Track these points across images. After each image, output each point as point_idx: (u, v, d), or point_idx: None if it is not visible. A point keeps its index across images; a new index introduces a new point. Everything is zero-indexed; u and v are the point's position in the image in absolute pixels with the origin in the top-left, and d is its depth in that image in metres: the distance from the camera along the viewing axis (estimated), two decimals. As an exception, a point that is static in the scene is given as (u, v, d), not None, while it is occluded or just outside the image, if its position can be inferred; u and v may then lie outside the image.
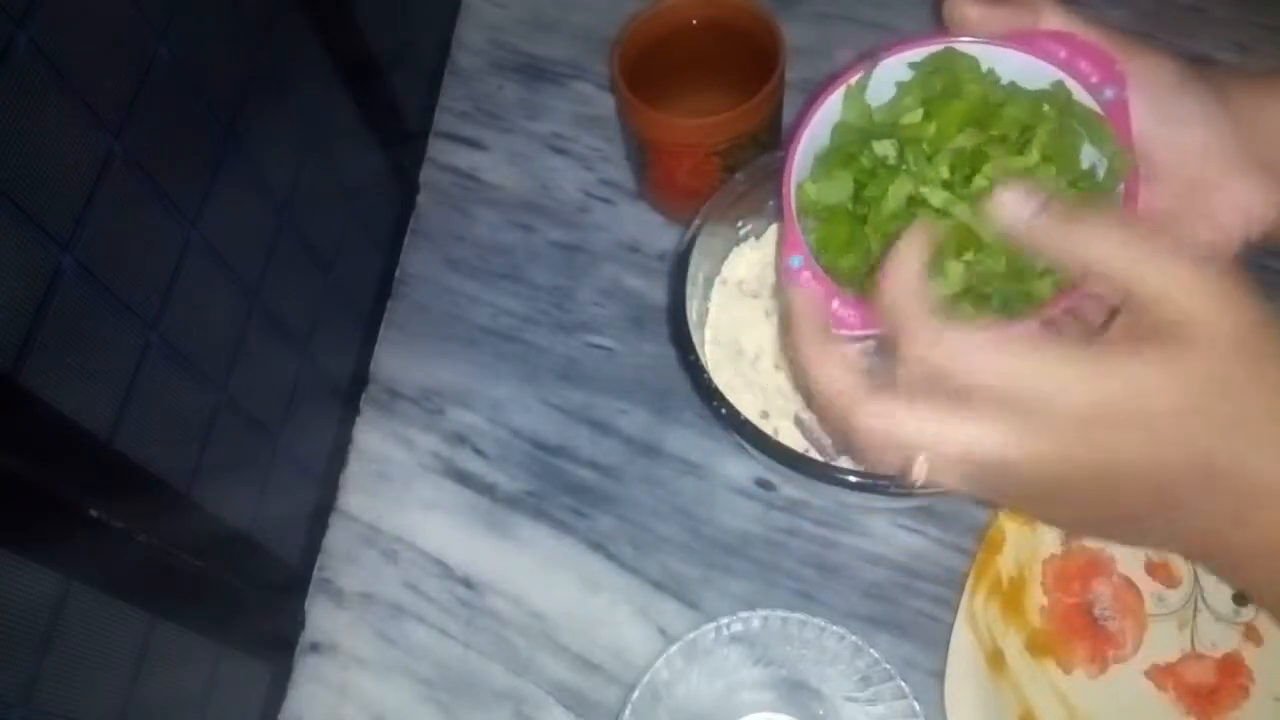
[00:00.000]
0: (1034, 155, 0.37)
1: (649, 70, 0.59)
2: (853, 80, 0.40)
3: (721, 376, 0.54)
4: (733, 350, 0.57)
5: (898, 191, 0.38)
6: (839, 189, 0.41)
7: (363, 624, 0.58)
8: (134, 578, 0.71)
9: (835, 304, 0.39)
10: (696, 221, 0.55)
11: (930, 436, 0.32)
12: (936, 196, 0.37)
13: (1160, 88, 0.38)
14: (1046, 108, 0.38)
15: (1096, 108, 0.38)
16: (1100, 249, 0.32)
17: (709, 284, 0.59)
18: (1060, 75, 0.38)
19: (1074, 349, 0.31)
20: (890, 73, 0.40)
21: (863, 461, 0.33)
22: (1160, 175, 0.38)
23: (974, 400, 0.31)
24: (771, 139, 0.61)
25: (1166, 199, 0.38)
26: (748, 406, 0.52)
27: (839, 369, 0.34)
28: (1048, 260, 0.35)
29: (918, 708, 0.47)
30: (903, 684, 0.48)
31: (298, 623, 0.58)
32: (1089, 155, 0.39)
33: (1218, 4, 0.69)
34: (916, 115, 0.39)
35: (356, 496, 0.61)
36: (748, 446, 0.50)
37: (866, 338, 0.39)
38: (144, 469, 0.71)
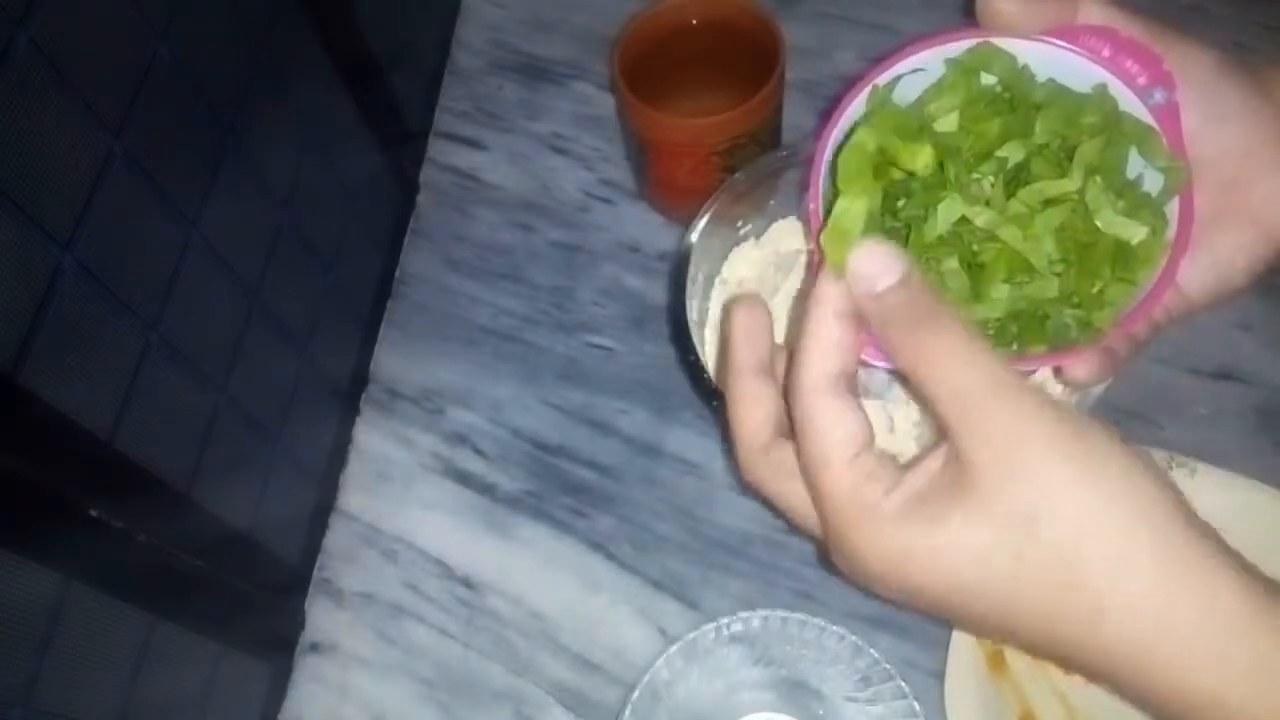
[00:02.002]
0: (1078, 176, 0.35)
1: (649, 70, 0.59)
2: (880, 81, 0.37)
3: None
4: (733, 350, 0.57)
5: (947, 214, 0.35)
6: (865, 205, 0.36)
7: (363, 624, 0.58)
8: (134, 578, 0.71)
9: (869, 350, 0.36)
10: (696, 221, 0.55)
11: (790, 509, 0.34)
12: (982, 216, 0.35)
13: (1200, 81, 0.36)
14: (1092, 119, 0.36)
15: (1146, 114, 0.36)
16: (933, 367, 0.30)
17: (709, 284, 0.59)
18: (1106, 77, 0.36)
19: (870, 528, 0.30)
20: (920, 70, 0.37)
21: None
22: (1200, 173, 0.36)
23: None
24: (771, 139, 0.61)
25: (1207, 196, 0.36)
26: (748, 406, 0.52)
27: (760, 411, 0.34)
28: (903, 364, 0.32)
29: (918, 708, 0.47)
30: (903, 684, 0.48)
31: (298, 623, 0.58)
32: (1136, 163, 0.36)
33: (1217, 3, 0.69)
34: (952, 122, 0.36)
35: (356, 496, 0.61)
36: (748, 446, 0.50)
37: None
38: (144, 469, 0.71)
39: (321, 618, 0.58)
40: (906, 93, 0.37)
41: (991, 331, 0.37)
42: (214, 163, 0.81)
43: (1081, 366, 0.37)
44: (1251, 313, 0.60)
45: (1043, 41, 0.36)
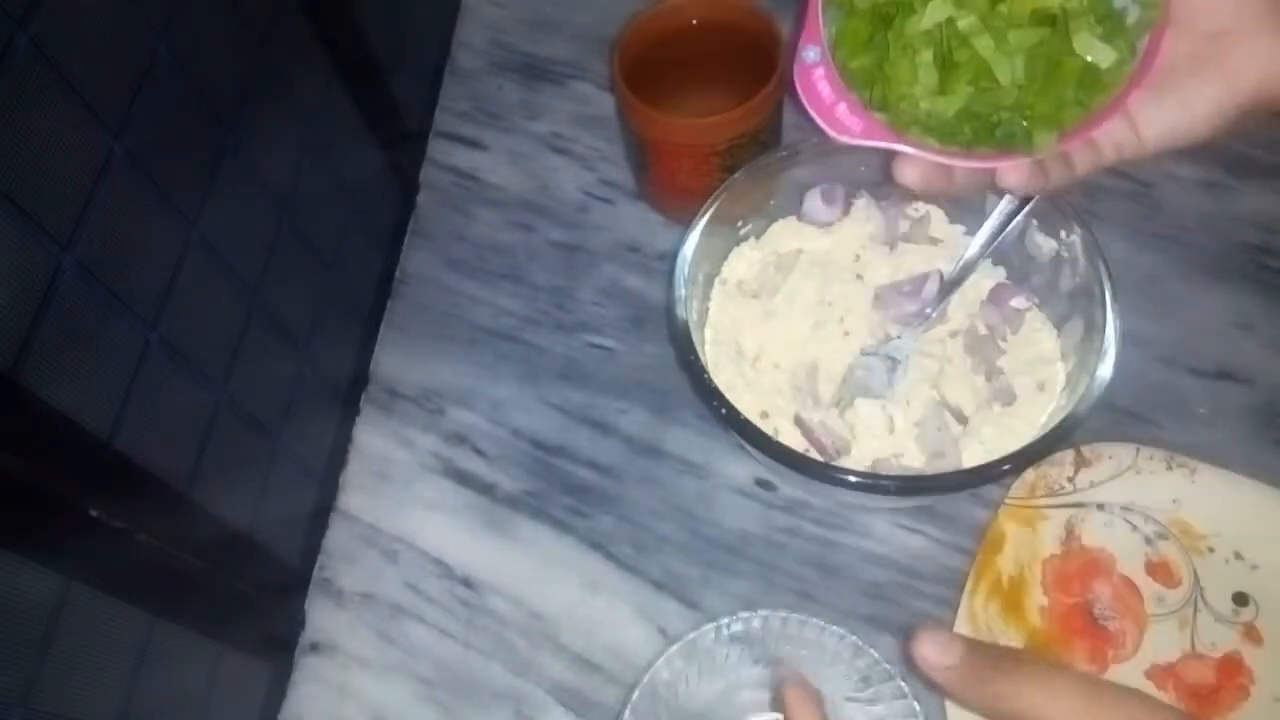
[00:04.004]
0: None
1: (649, 70, 0.59)
2: None
3: (721, 376, 0.54)
4: (733, 350, 0.57)
5: (934, 13, 0.38)
6: None
7: (363, 624, 0.58)
8: (134, 578, 0.71)
9: (841, 108, 0.39)
10: (696, 221, 0.55)
11: None
12: (964, 20, 0.37)
13: None
14: None
15: None
16: (1020, 698, 0.34)
17: (709, 284, 0.59)
18: None
19: None
20: None
21: None
22: (1189, 18, 0.38)
23: None
24: (771, 139, 0.61)
25: (1190, 42, 0.38)
26: (748, 406, 0.52)
27: None
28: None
29: (918, 708, 0.47)
30: (903, 684, 0.48)
31: (298, 623, 0.58)
32: None
33: None
34: None
35: (356, 496, 0.61)
36: (748, 446, 0.50)
37: (866, 145, 0.39)
38: (144, 469, 0.71)
39: (321, 618, 0.58)
40: None
41: (947, 128, 0.39)
42: (214, 163, 0.81)
43: (1014, 174, 0.39)
44: (1251, 313, 0.60)
45: None
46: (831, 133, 0.40)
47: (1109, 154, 0.40)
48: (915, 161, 0.40)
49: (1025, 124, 0.39)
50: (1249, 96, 0.38)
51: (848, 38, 0.41)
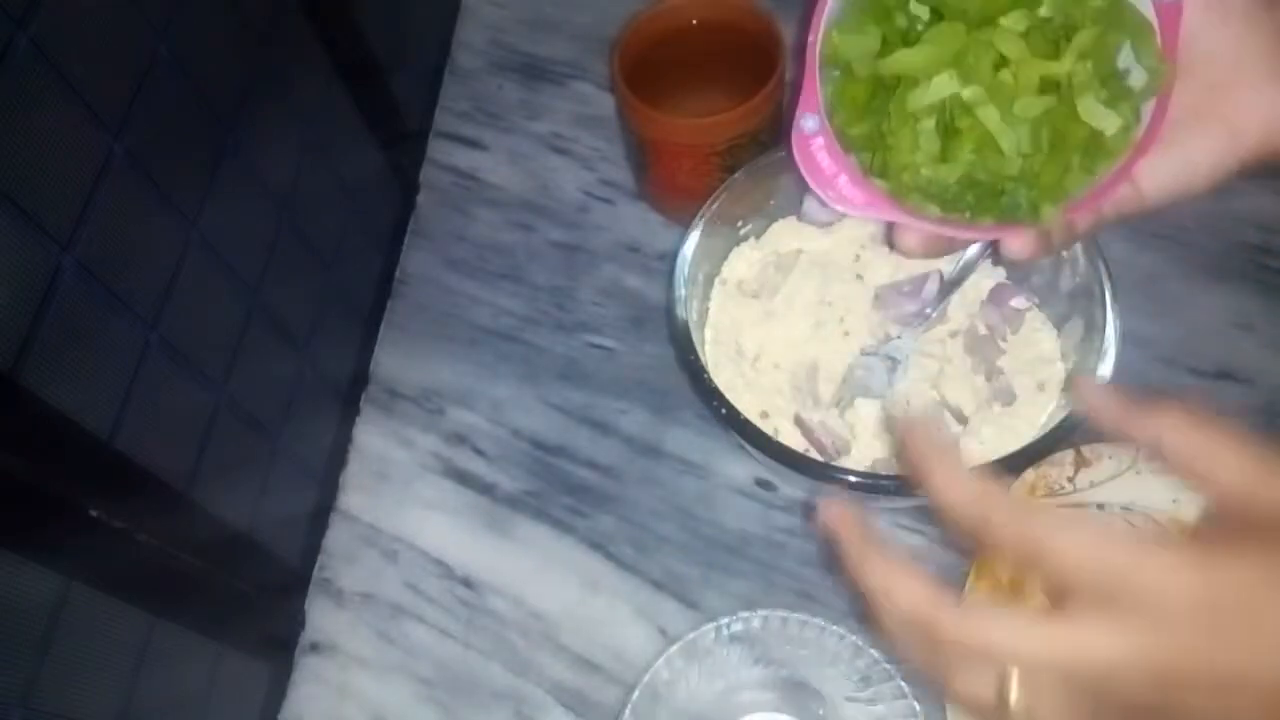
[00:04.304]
0: (1069, 60, 0.36)
1: (649, 70, 0.59)
2: None
3: (721, 376, 0.54)
4: (733, 350, 0.57)
5: (938, 89, 0.37)
6: (866, 43, 0.38)
7: (363, 624, 0.58)
8: (134, 578, 0.71)
9: (842, 179, 0.38)
10: (696, 221, 0.55)
11: (1027, 643, 0.28)
12: (968, 90, 0.36)
13: (1240, 12, 0.36)
14: (1098, 2, 0.37)
15: (1150, 9, 0.36)
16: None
17: (709, 284, 0.59)
18: None
19: (1169, 545, 0.29)
20: None
21: (950, 689, 0.31)
22: (1189, 70, 0.37)
23: (1072, 599, 0.28)
24: (771, 139, 0.61)
25: (1190, 95, 0.37)
26: (748, 406, 0.52)
27: (917, 581, 0.31)
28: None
29: (918, 708, 0.47)
30: (903, 684, 0.48)
31: (298, 623, 0.58)
32: (1126, 55, 0.37)
33: None
34: None
35: (356, 496, 0.61)
36: (748, 446, 0.50)
37: (867, 217, 0.39)
38: (144, 469, 0.71)
39: (321, 618, 0.58)
40: None
41: (949, 196, 0.39)
42: (214, 163, 0.81)
43: (1018, 242, 0.38)
44: (1251, 313, 0.60)
45: None
46: (834, 205, 0.39)
47: (1109, 212, 0.39)
48: (917, 230, 0.39)
49: (1030, 195, 0.38)
50: (1251, 149, 0.37)
51: (846, 103, 0.40)
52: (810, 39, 0.38)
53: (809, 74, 0.39)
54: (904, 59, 0.37)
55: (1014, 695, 0.28)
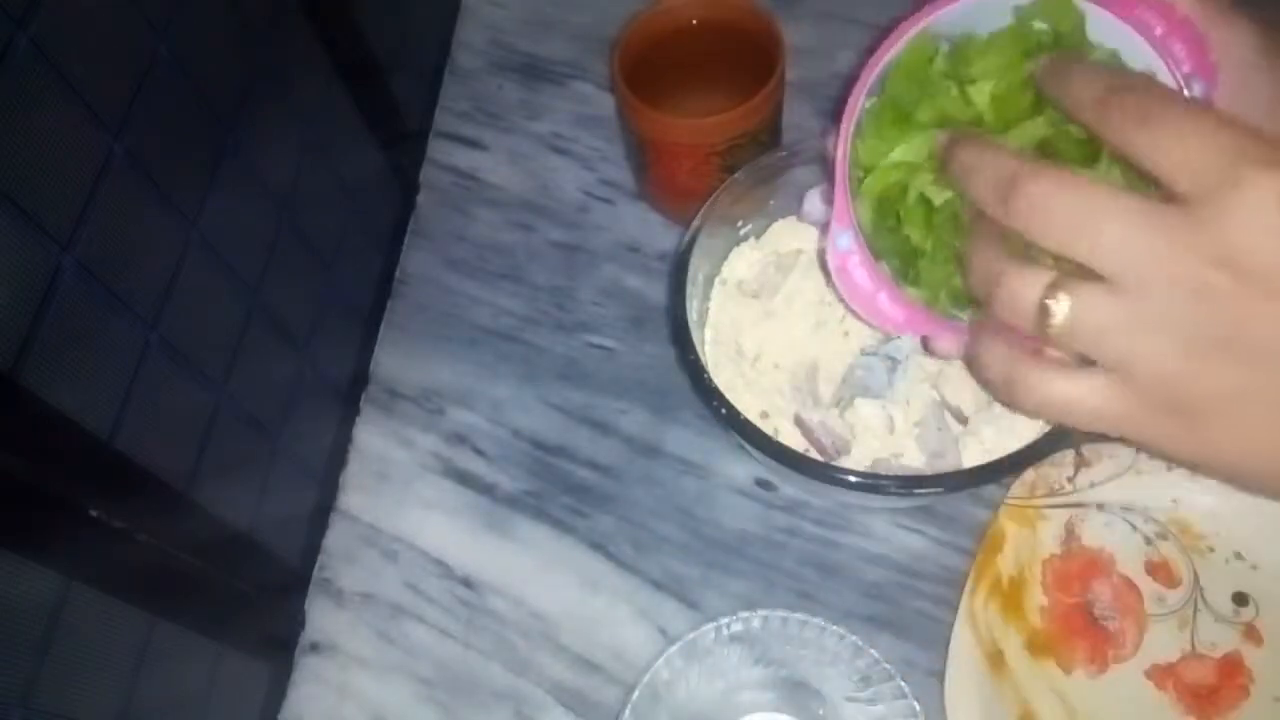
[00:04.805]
0: (1104, 165, 0.35)
1: (649, 70, 0.59)
2: (927, 22, 0.36)
3: (721, 376, 0.54)
4: (733, 350, 0.57)
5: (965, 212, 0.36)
6: (885, 150, 0.38)
7: (363, 624, 0.58)
8: (134, 578, 0.71)
9: (881, 297, 0.38)
10: (696, 221, 0.55)
11: (1122, 214, 0.28)
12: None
13: (1239, 62, 0.36)
14: None
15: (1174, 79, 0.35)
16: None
17: (709, 284, 0.59)
18: (1153, 60, 0.35)
19: None
20: (969, 13, 0.36)
21: (995, 296, 0.31)
22: None
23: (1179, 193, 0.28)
24: (771, 139, 0.61)
25: None
26: (748, 406, 0.52)
27: (997, 151, 0.31)
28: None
29: (918, 708, 0.47)
30: (903, 684, 0.48)
31: (298, 623, 0.58)
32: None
33: None
34: (984, 93, 0.36)
35: (356, 496, 0.61)
36: (748, 446, 0.50)
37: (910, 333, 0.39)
38: (144, 469, 0.71)
39: (321, 618, 0.58)
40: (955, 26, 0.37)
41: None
42: (214, 163, 0.81)
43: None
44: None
45: (1100, 6, 0.36)
46: (875, 324, 0.39)
47: None
48: (955, 337, 0.39)
49: None
50: None
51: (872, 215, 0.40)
52: (839, 152, 0.38)
53: (839, 189, 0.38)
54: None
55: (1063, 307, 0.27)
